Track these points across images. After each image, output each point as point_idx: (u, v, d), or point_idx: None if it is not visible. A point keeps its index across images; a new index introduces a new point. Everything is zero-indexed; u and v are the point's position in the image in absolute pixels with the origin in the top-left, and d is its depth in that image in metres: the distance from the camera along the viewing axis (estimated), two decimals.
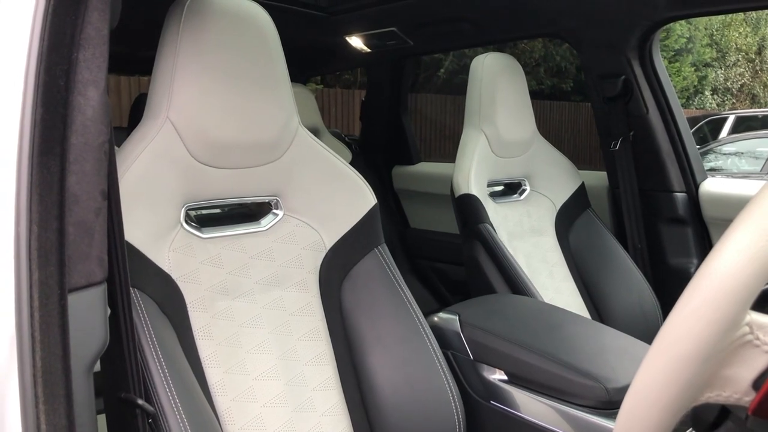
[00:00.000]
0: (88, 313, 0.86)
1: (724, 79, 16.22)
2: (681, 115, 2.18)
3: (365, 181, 1.42)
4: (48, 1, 0.89)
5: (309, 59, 3.07)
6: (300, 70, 3.19)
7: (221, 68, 1.21)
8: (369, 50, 2.75)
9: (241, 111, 1.24)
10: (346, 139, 3.13)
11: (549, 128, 10.72)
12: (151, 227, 1.16)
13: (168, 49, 1.19)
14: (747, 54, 16.31)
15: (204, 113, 1.20)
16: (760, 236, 0.47)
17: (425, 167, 3.04)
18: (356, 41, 2.67)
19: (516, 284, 1.84)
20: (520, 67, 2.13)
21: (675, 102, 2.16)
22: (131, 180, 1.13)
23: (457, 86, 8.38)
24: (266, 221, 1.35)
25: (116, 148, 1.20)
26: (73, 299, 0.84)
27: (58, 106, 0.89)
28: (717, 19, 15.32)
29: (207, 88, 1.20)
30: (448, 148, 8.92)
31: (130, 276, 1.01)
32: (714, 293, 0.47)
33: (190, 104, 1.19)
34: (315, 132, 2.66)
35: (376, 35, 2.58)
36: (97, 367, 0.95)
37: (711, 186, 2.17)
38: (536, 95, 10.65)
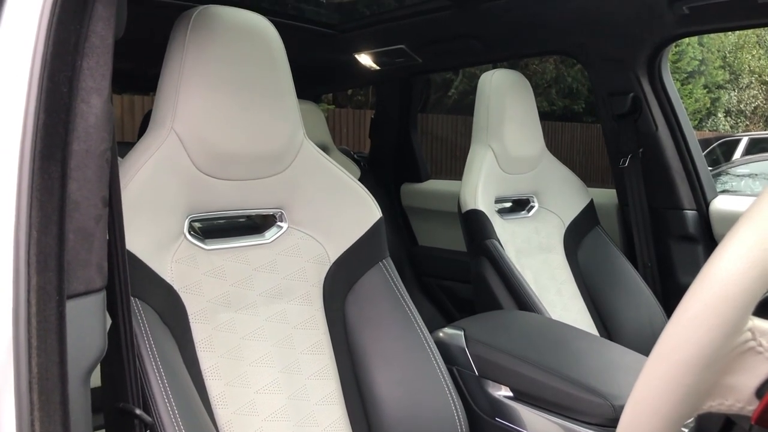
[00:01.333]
0: (86, 320, 0.86)
1: (737, 101, 16.17)
2: (691, 133, 2.16)
3: (370, 194, 1.41)
4: (53, 9, 0.90)
5: (318, 76, 3.08)
6: (310, 88, 3.20)
7: (226, 80, 1.22)
8: (378, 68, 2.76)
9: (246, 123, 1.24)
10: (355, 156, 3.13)
11: (561, 149, 10.71)
12: (154, 237, 1.15)
13: (174, 60, 1.20)
14: (760, 76, 16.26)
15: (209, 124, 1.20)
16: (762, 240, 0.46)
17: (434, 185, 3.03)
18: (365, 59, 2.69)
19: (523, 301, 1.82)
20: (528, 83, 2.13)
21: (684, 119, 2.15)
22: (134, 189, 1.13)
23: (467, 107, 8.40)
24: (270, 234, 1.35)
25: (120, 158, 1.20)
26: (71, 306, 0.83)
27: (61, 112, 0.89)
28: (729, 41, 15.31)
29: (212, 100, 1.20)
30: (459, 168, 8.92)
31: (132, 285, 1.01)
32: (714, 298, 0.46)
33: (195, 115, 1.19)
34: (324, 149, 2.66)
35: (385, 53, 2.59)
36: (98, 381, 0.95)
37: (722, 204, 2.15)
38: (548, 116, 10.66)
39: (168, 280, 1.16)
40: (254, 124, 1.25)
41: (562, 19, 2.14)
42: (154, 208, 1.16)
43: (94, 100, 0.93)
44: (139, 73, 3.11)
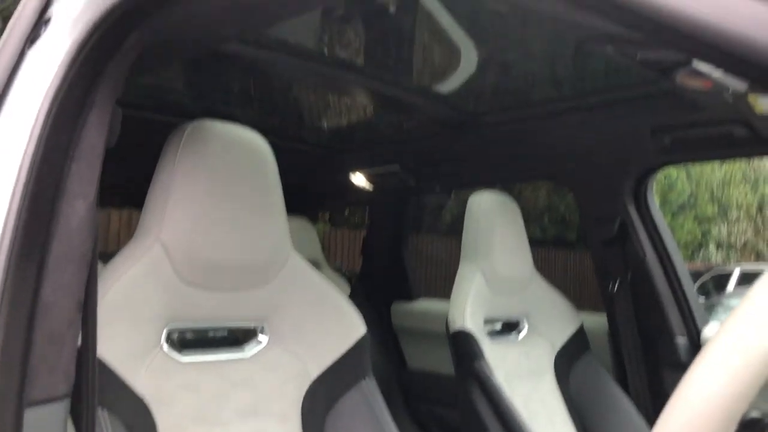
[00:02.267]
0: (46, 429, 0.82)
1: (727, 235, 16.39)
2: (679, 260, 2.18)
3: (355, 309, 1.39)
4: (48, 113, 0.92)
5: (313, 195, 3.14)
6: (303, 205, 3.25)
7: (216, 192, 1.23)
8: (372, 188, 2.82)
9: (232, 234, 1.24)
10: (346, 273, 3.12)
11: (555, 277, 10.69)
12: (129, 346, 1.13)
13: (165, 170, 1.22)
14: (748, 211, 16.59)
15: (195, 235, 1.21)
16: (737, 352, 0.45)
17: (425, 304, 3.00)
18: (359, 178, 2.74)
19: (513, 428, 1.76)
20: (517, 205, 2.17)
21: (672, 246, 2.17)
22: (113, 296, 1.11)
23: (461, 229, 8.46)
24: (250, 348, 1.32)
25: (103, 264, 1.20)
26: (31, 413, 0.79)
27: (44, 214, 0.89)
28: (716, 177, 15.74)
29: (201, 211, 1.21)
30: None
31: (100, 395, 0.97)
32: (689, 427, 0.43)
33: (183, 226, 1.20)
34: (315, 266, 2.66)
35: (379, 173, 2.65)
36: None
37: (713, 331, 2.12)
38: (541, 243, 10.74)
39: (139, 391, 1.12)
40: (240, 236, 1.26)
41: (550, 146, 2.22)
42: (131, 317, 1.14)
43: (79, 203, 0.94)
44: (139, 188, 3.16)
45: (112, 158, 1.44)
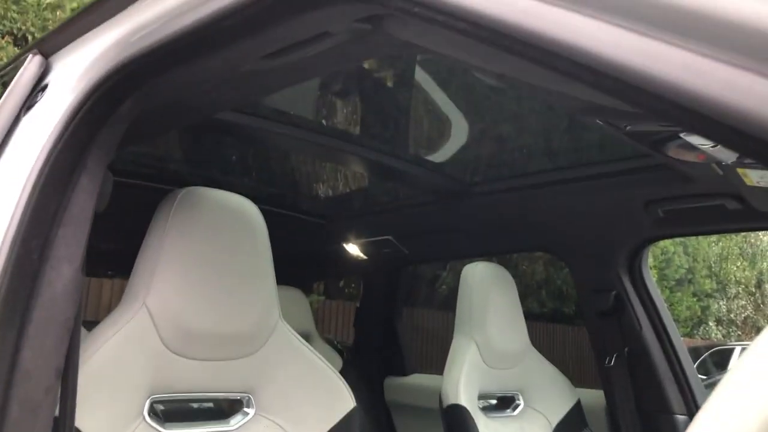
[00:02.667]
0: None
1: (727, 311, 16.26)
2: (675, 334, 2.15)
3: (345, 382, 1.36)
4: (39, 177, 0.92)
5: (306, 264, 3.12)
6: (297, 275, 3.23)
7: (206, 259, 1.22)
8: (365, 257, 2.81)
9: (219, 302, 1.23)
10: (338, 345, 3.07)
11: (553, 352, 10.55)
12: (109, 417, 1.09)
13: (154, 236, 1.21)
14: (746, 287, 16.52)
15: (183, 302, 1.19)
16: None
17: (419, 379, 2.94)
18: (353, 248, 2.74)
19: None
20: (511, 277, 2.15)
21: (668, 319, 2.14)
22: (96, 364, 1.08)
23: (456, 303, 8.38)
24: (235, 421, 1.28)
25: (87, 330, 1.17)
26: None
27: (27, 278, 0.88)
28: (713, 252, 15.75)
29: (189, 278, 1.20)
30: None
31: None
32: None
33: (170, 292, 1.18)
34: (306, 337, 2.62)
35: (372, 243, 2.65)
36: None
37: None
38: (539, 318, 10.64)
39: None
40: (229, 304, 1.24)
41: (543, 216, 2.22)
42: (113, 386, 1.11)
43: (64, 268, 0.92)
44: (134, 258, 3.14)
45: (106, 227, 1.44)
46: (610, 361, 2.14)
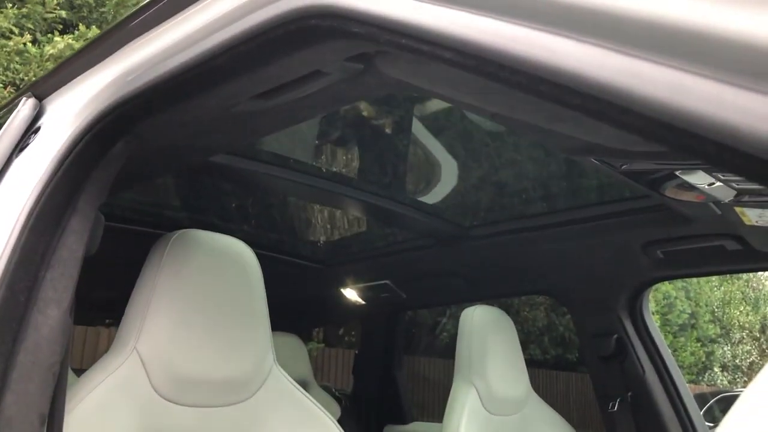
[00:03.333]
0: None
1: (732, 356, 16.07)
2: (680, 378, 2.11)
3: (341, 429, 1.33)
4: (28, 219, 0.91)
5: (303, 310, 3.09)
6: (294, 321, 3.19)
7: (198, 303, 1.20)
8: (363, 302, 2.78)
9: (213, 346, 1.20)
10: (337, 393, 3.02)
11: (556, 399, 10.38)
12: None
13: (147, 279, 1.19)
14: (751, 332, 16.36)
15: (174, 346, 1.17)
16: None
17: (419, 427, 2.88)
18: (351, 293, 2.72)
19: None
20: (511, 321, 2.12)
21: (672, 363, 2.11)
22: (83, 411, 1.05)
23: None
24: None
25: (76, 375, 1.15)
26: None
27: (13, 321, 0.86)
28: (716, 296, 15.66)
29: (181, 322, 1.18)
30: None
31: None
32: None
33: (161, 336, 1.16)
34: (303, 384, 2.58)
35: (370, 287, 2.63)
36: None
37: None
38: (541, 365, 10.51)
39: None
40: (221, 349, 1.21)
41: (542, 261, 2.21)
42: None
43: (51, 311, 0.90)
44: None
45: (104, 274, 1.42)
46: (613, 406, 2.10)
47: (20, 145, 1.04)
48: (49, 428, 0.90)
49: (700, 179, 1.21)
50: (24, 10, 4.95)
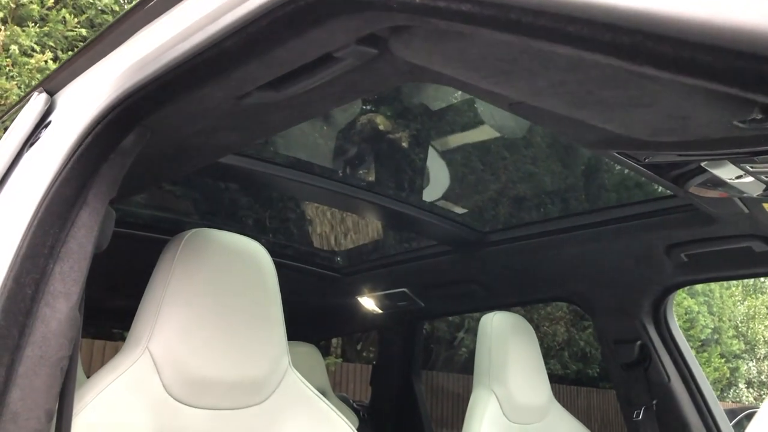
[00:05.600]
0: None
1: (757, 372, 15.77)
2: (707, 386, 2.04)
3: None
4: (36, 211, 0.90)
5: (321, 319, 3.06)
6: (312, 330, 3.16)
7: (211, 302, 1.18)
8: (381, 311, 2.75)
9: (226, 347, 1.18)
10: (354, 405, 2.98)
11: (577, 415, 10.21)
12: None
13: (159, 278, 1.17)
14: None
15: (187, 346, 1.14)
16: None
17: None
18: (368, 302, 2.69)
19: None
20: (531, 327, 2.08)
21: (698, 370, 2.04)
22: (92, 410, 1.03)
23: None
24: None
25: (86, 375, 1.12)
26: None
27: (19, 314, 0.84)
28: (739, 311, 15.42)
29: (194, 321, 1.15)
30: None
31: None
32: None
33: (174, 336, 1.14)
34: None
35: (388, 296, 2.60)
36: None
37: None
38: (562, 380, 10.37)
39: None
40: (235, 349, 1.19)
41: (562, 266, 2.16)
42: None
43: (60, 304, 0.88)
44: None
45: (122, 285, 1.39)
46: (638, 414, 2.04)
47: (31, 139, 1.03)
48: (57, 426, 0.88)
49: (727, 172, 1.16)
50: (45, 28, 5.03)
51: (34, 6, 4.94)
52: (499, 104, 1.04)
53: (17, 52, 4.68)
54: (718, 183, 1.28)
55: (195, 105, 0.96)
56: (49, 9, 5.05)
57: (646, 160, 1.19)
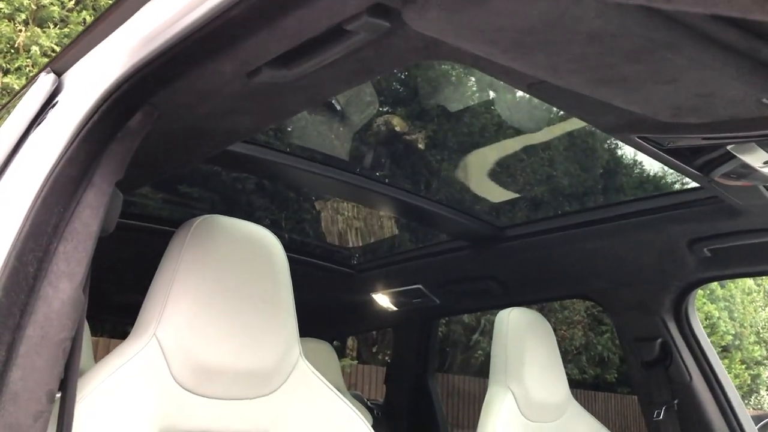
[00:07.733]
0: None
1: None
2: (730, 385, 1.99)
3: (369, 427, 1.26)
4: (41, 190, 0.88)
5: (335, 317, 3.03)
6: (326, 328, 3.14)
7: (221, 288, 1.16)
8: (395, 309, 2.71)
9: (236, 335, 1.15)
10: (369, 403, 2.95)
11: None
12: None
13: (168, 264, 1.15)
14: None
15: (196, 334, 1.12)
16: None
17: None
18: (383, 299, 2.66)
19: None
20: (548, 323, 2.03)
21: (721, 370, 1.99)
22: (98, 397, 1.01)
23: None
24: None
25: (93, 360, 1.10)
26: None
27: (21, 293, 0.82)
28: (761, 317, 15.20)
29: (203, 309, 1.13)
30: None
31: None
32: None
33: (182, 323, 1.11)
34: None
35: (402, 293, 2.57)
36: None
37: None
38: (580, 385, 10.28)
39: None
40: (245, 338, 1.16)
41: (580, 263, 2.11)
42: (117, 421, 1.03)
43: (63, 284, 0.86)
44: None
45: (134, 281, 1.37)
46: (658, 414, 1.99)
47: (38, 119, 1.01)
48: (60, 409, 0.86)
49: (755, 158, 1.12)
50: (66, 30, 5.07)
51: (55, 8, 4.99)
52: (517, 85, 1.01)
53: (38, 53, 4.73)
54: (745, 171, 1.24)
55: (203, 82, 0.93)
56: (69, 11, 5.10)
57: (669, 145, 1.15)
